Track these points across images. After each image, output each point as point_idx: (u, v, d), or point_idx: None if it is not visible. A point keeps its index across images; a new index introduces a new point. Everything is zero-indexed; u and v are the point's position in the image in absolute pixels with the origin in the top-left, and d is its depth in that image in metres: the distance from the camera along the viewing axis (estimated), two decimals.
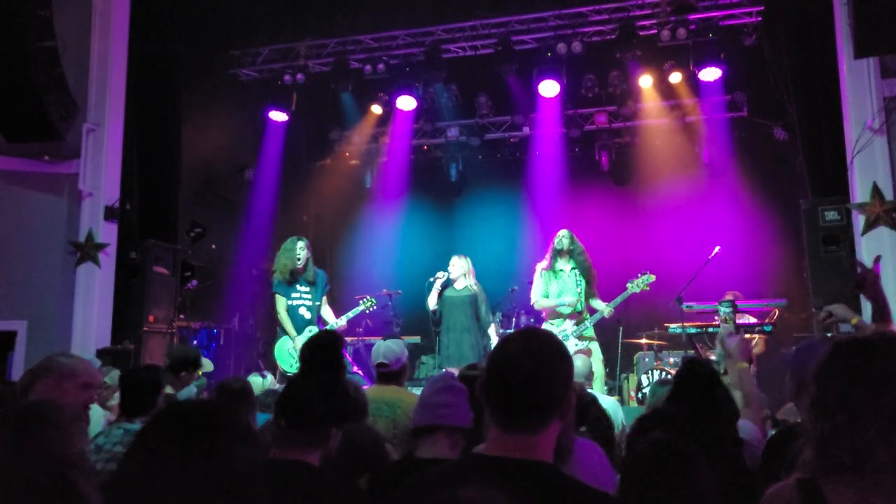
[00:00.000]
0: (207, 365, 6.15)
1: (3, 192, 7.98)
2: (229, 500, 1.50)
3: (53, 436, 2.37)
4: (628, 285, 7.76)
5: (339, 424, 2.66)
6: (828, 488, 1.56)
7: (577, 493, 1.68)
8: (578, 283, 7.79)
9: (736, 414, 3.25)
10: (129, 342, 8.00)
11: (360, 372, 8.43)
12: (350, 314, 8.22)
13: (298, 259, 7.94)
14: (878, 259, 3.52)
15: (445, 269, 8.19)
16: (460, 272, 8.11)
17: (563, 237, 7.92)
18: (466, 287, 8.10)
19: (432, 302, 8.15)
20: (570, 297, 7.71)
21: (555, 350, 1.77)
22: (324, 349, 3.91)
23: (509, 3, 10.25)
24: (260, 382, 6.46)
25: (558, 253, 7.87)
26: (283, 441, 2.58)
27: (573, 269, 7.85)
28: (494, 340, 7.84)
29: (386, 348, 4.43)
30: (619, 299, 7.76)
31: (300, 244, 8.02)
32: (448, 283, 8.15)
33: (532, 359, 1.70)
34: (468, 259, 8.26)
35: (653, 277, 7.74)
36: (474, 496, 1.45)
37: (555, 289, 7.82)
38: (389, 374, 4.41)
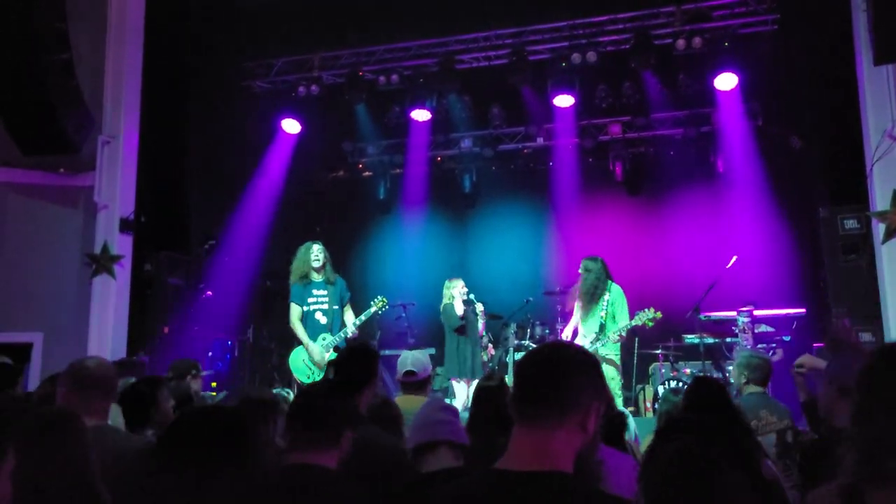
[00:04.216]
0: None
1: (19, 204, 8.02)
2: None
3: (74, 445, 2.36)
4: (635, 317, 7.44)
5: (352, 427, 2.73)
6: (870, 495, 1.51)
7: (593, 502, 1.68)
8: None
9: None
10: (143, 353, 8.01)
11: None
12: (362, 317, 7.80)
13: (317, 259, 7.64)
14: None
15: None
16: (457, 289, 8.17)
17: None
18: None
19: (459, 311, 8.08)
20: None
21: (576, 354, 1.83)
22: (357, 362, 3.93)
23: (523, 13, 10.20)
24: (286, 396, 6.40)
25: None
26: (298, 444, 2.63)
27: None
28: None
29: (414, 358, 4.52)
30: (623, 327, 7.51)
31: (315, 247, 7.72)
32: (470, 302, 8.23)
33: (547, 355, 1.81)
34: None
35: (658, 315, 7.39)
36: None
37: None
38: (416, 384, 4.45)
